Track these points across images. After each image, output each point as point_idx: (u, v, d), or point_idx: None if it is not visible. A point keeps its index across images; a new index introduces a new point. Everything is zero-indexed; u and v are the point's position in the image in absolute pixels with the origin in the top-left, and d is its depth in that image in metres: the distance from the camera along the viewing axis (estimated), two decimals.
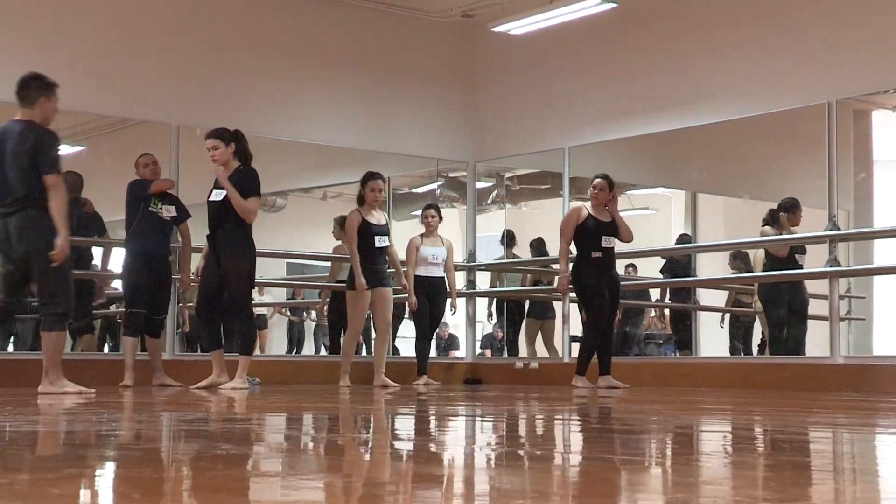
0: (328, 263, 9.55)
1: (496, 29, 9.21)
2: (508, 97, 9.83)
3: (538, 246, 9.90)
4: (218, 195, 6.56)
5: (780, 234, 8.08)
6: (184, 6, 8.68)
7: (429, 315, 8.39)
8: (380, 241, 7.74)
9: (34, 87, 5.64)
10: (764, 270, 8.38)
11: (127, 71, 8.22)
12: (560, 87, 9.45)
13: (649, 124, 8.81)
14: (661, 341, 10.21)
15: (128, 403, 5.03)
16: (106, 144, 9.16)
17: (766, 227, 8.20)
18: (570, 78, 9.39)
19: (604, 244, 7.38)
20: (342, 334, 9.11)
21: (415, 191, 11.14)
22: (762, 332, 8.77)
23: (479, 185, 10.29)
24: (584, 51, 9.29)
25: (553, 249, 9.63)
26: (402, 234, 9.37)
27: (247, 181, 6.51)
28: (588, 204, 7.54)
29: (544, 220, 10.02)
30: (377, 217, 7.82)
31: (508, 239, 10.15)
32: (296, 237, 10.25)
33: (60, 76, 8.14)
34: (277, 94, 9.02)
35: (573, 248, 7.53)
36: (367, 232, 7.70)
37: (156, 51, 8.42)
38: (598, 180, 7.50)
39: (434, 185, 10.41)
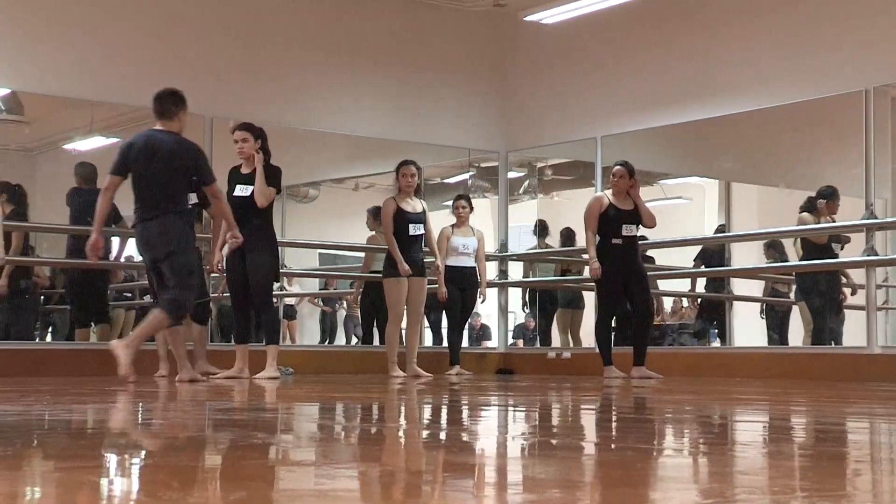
0: (360, 254, 9.58)
1: (528, 18, 9.17)
2: (540, 87, 9.79)
3: (568, 235, 9.87)
4: (244, 190, 6.63)
5: (818, 221, 7.99)
6: (224, 3, 8.72)
7: (460, 305, 8.40)
8: (414, 229, 7.74)
9: (174, 102, 6.05)
10: (800, 259, 8.30)
11: (162, 63, 8.27)
12: (592, 77, 9.40)
13: (682, 113, 8.75)
14: (691, 331, 10.15)
15: (162, 393, 5.07)
16: None
17: (805, 215, 8.10)
18: (602, 67, 9.34)
19: (624, 232, 7.32)
20: (374, 324, 9.13)
21: (446, 181, 11.14)
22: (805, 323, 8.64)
23: (511, 174, 10.27)
24: (616, 39, 9.24)
25: (582, 239, 9.61)
26: (433, 225, 9.38)
27: (270, 170, 6.71)
28: (609, 192, 7.49)
29: (576, 210, 9.98)
30: (412, 205, 7.82)
31: (540, 229, 10.12)
32: (328, 228, 10.28)
33: (97, 69, 8.25)
34: (310, 85, 9.04)
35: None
36: (402, 219, 7.70)
37: (191, 43, 8.46)
38: (617, 167, 7.45)
39: (466, 176, 10.40)
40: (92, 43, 8.01)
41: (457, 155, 10.11)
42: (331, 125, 9.15)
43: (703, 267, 9.54)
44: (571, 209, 9.60)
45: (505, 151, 10.02)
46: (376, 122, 9.40)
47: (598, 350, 7.56)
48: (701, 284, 10.18)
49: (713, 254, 9.46)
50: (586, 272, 10.17)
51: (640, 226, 7.42)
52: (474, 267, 8.50)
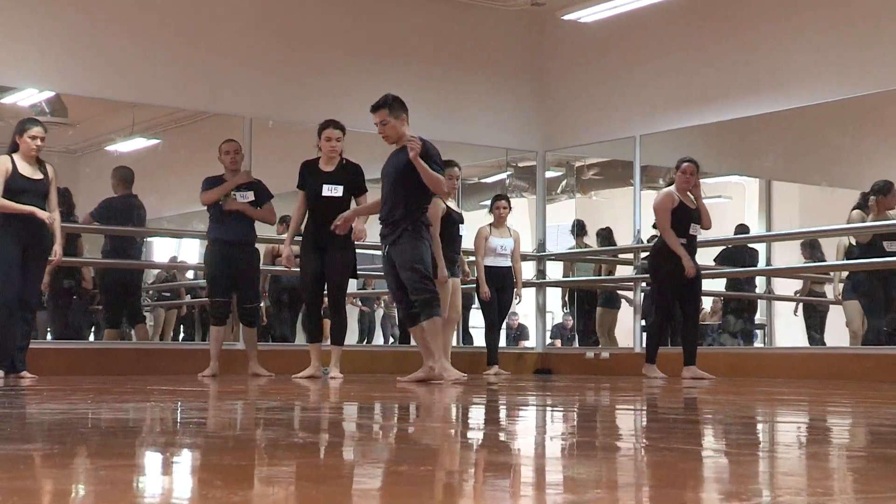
0: None
1: (566, 17, 9.14)
2: (578, 85, 9.76)
3: (606, 235, 9.82)
4: (335, 191, 6.67)
5: (868, 218, 7.80)
6: (265, 4, 8.78)
7: (497, 305, 8.39)
8: (463, 230, 7.72)
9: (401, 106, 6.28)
10: (847, 258, 8.15)
11: (201, 65, 8.35)
12: (631, 75, 9.35)
13: (722, 111, 8.67)
14: (737, 330, 10.07)
15: (206, 392, 5.11)
16: (181, 137, 9.33)
17: (855, 212, 7.92)
18: (641, 65, 9.28)
19: (691, 231, 7.19)
20: None
21: (484, 181, 11.13)
22: (853, 322, 8.41)
23: (549, 174, 10.24)
24: (655, 37, 9.18)
25: (621, 238, 9.55)
26: (471, 225, 9.34)
27: (360, 175, 6.89)
28: (673, 189, 7.29)
29: (614, 210, 9.94)
30: (454, 205, 7.76)
31: (578, 229, 10.08)
32: (368, 228, 10.28)
33: (137, 72, 8.34)
34: (348, 85, 9.07)
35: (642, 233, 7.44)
36: (451, 221, 7.62)
37: (230, 45, 8.53)
38: (687, 164, 7.25)
39: (503, 175, 10.39)
40: (133, 46, 8.10)
41: (495, 154, 10.10)
42: (368, 125, 9.15)
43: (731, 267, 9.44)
44: (609, 208, 9.58)
45: (543, 151, 9.99)
46: (414, 121, 9.34)
47: (644, 346, 7.51)
48: (721, 284, 10.11)
49: (737, 253, 9.35)
50: (619, 271, 10.11)
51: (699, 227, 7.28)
52: (510, 267, 8.49)
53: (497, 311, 8.43)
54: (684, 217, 7.17)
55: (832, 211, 8.39)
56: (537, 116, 9.96)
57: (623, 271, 10.40)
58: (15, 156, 6.31)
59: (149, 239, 9.23)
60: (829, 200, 8.92)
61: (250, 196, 7.16)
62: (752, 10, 8.61)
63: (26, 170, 6.30)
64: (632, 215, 9.25)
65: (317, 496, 1.66)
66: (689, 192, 7.27)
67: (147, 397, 4.48)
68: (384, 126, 6.14)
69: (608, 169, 10.58)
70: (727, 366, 8.18)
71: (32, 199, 6.27)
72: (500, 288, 8.38)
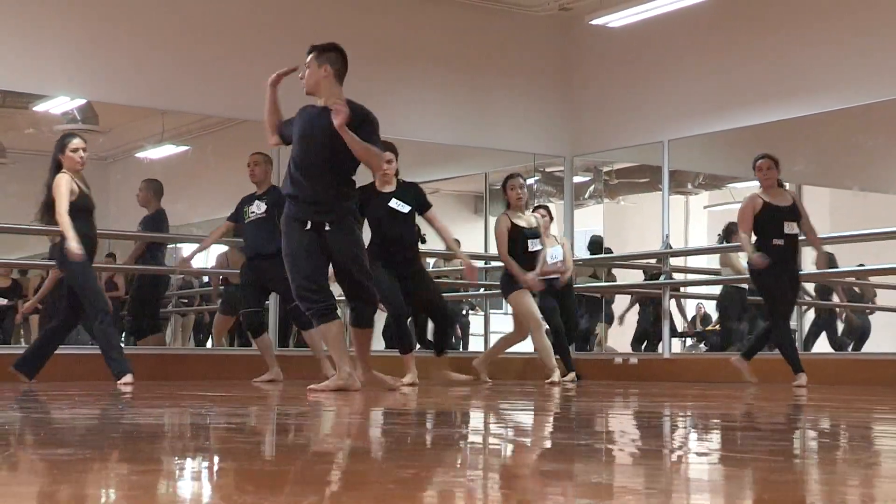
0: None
1: (594, 22, 9.12)
2: (606, 90, 9.73)
3: (598, 242, 9.90)
4: (401, 207, 6.54)
5: None
6: (285, 7, 8.82)
7: (559, 313, 7.91)
8: (533, 245, 7.34)
9: None
10: None
11: (230, 71, 8.40)
12: (659, 80, 9.31)
13: (751, 116, 8.62)
14: None
15: (251, 397, 5.13)
16: (210, 144, 9.39)
17: None
18: (669, 70, 9.25)
19: (786, 230, 6.73)
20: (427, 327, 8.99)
21: None
22: None
23: (577, 179, 10.21)
24: (683, 42, 9.14)
25: (638, 245, 9.49)
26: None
27: (422, 192, 6.74)
28: (759, 191, 6.93)
29: (643, 215, 9.90)
30: (527, 219, 7.39)
31: (595, 245, 10.10)
32: None
33: (167, 79, 8.40)
34: (376, 92, 9.07)
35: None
36: (519, 235, 7.27)
37: (259, 51, 8.57)
38: (760, 160, 6.87)
39: (531, 181, 10.37)
40: (163, 54, 8.16)
41: (522, 160, 10.09)
42: (397, 131, 9.17)
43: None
44: (638, 214, 9.54)
45: (570, 156, 9.97)
46: (442, 127, 9.43)
47: (786, 359, 6.87)
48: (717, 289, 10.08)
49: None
50: (621, 277, 10.04)
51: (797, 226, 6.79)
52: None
53: (562, 318, 7.97)
54: (775, 217, 6.75)
55: (863, 215, 8.31)
56: (565, 121, 9.94)
57: (624, 276, 10.40)
58: (75, 174, 6.28)
59: (179, 245, 9.30)
60: (861, 205, 8.83)
61: (262, 206, 7.10)
62: (781, 14, 8.55)
63: (82, 186, 6.31)
64: (660, 220, 9.21)
65: (337, 500, 1.65)
66: (783, 191, 6.84)
67: (216, 404, 4.50)
68: (306, 70, 5.44)
69: (636, 174, 10.54)
70: (825, 373, 8.08)
71: (91, 215, 6.32)
72: (559, 296, 7.94)
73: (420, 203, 6.66)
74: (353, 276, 5.36)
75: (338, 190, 5.30)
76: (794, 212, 6.81)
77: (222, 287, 9.09)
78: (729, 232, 9.04)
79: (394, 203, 6.52)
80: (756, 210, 6.82)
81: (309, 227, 5.25)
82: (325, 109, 5.27)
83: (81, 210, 6.22)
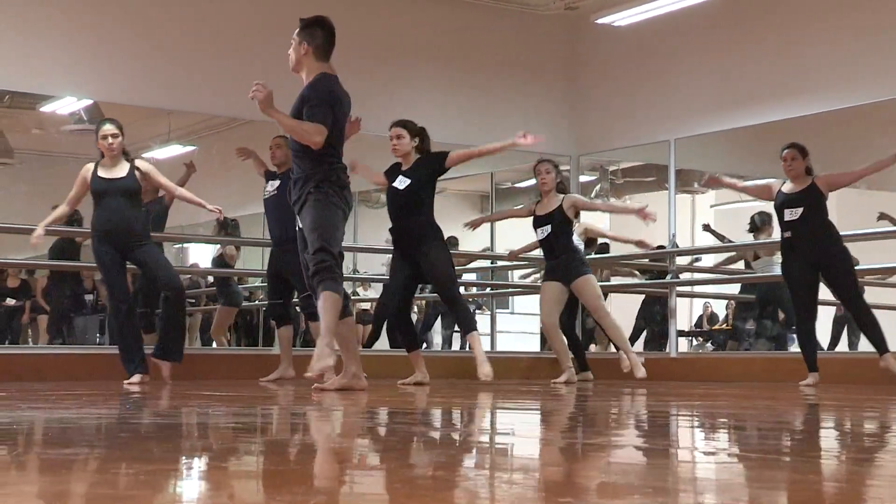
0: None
1: (600, 21, 9.12)
2: (612, 89, 9.72)
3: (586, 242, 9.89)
4: (401, 182, 6.24)
5: None
6: (292, 7, 8.83)
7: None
8: (542, 233, 7.24)
9: None
10: None
11: (236, 71, 8.40)
12: (665, 78, 9.30)
13: (758, 114, 8.60)
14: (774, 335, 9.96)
15: (259, 396, 5.14)
16: (216, 144, 9.41)
17: None
18: (675, 68, 9.24)
19: (787, 217, 6.56)
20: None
21: (518, 185, 11.12)
22: None
23: (583, 178, 10.21)
24: (689, 40, 9.13)
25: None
26: (507, 231, 9.36)
27: (437, 158, 6.33)
28: (783, 183, 6.77)
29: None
30: (545, 205, 7.25)
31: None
32: None
33: (174, 79, 8.42)
34: (380, 90, 9.10)
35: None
36: (536, 222, 7.27)
37: (265, 51, 8.58)
38: (786, 150, 6.71)
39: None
40: (169, 54, 8.18)
41: (528, 159, 10.06)
42: None
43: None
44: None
45: (576, 155, 9.96)
46: (447, 126, 9.41)
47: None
48: (735, 288, 10.04)
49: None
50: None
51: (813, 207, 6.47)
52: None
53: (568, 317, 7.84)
54: (780, 207, 6.63)
55: (869, 213, 8.29)
56: (571, 120, 9.93)
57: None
58: (103, 161, 6.36)
59: (185, 245, 9.32)
60: (868, 203, 8.80)
61: (276, 184, 6.94)
62: (787, 12, 8.54)
63: (106, 171, 6.33)
64: (666, 219, 9.19)
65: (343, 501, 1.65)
66: (806, 178, 6.64)
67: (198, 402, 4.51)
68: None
69: (643, 173, 10.53)
70: (761, 370, 8.10)
71: (114, 199, 6.27)
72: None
73: (433, 169, 6.27)
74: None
75: (309, 163, 5.15)
76: (800, 197, 6.53)
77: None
78: (759, 223, 8.97)
79: (397, 181, 6.33)
80: (771, 197, 6.73)
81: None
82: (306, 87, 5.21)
83: (100, 195, 6.26)
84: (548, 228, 7.16)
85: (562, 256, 7.14)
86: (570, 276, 7.10)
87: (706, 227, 10.02)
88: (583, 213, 7.92)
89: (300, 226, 5.25)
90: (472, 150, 6.44)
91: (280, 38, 8.76)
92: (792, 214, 6.53)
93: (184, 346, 6.43)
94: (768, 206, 7.37)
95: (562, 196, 7.24)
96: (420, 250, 6.15)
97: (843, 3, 8.20)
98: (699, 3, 8.55)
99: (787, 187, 6.70)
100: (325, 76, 5.28)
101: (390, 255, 6.58)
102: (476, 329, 6.20)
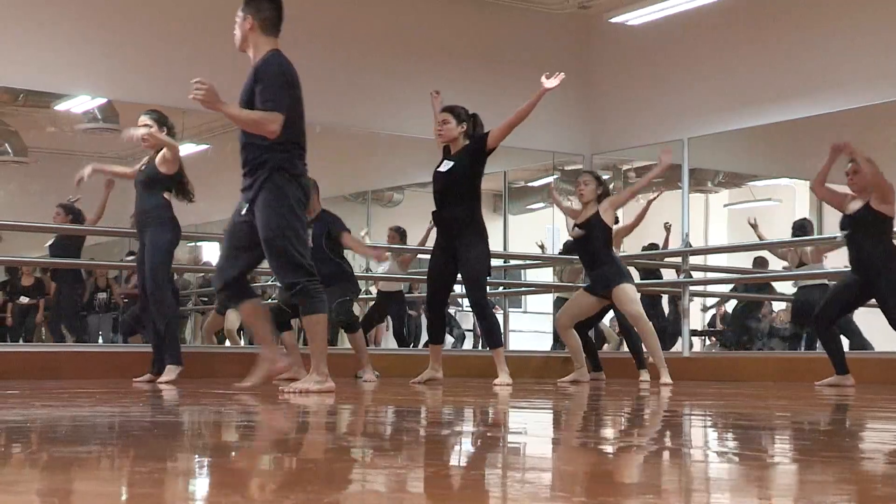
0: None
1: (613, 20, 9.10)
2: (626, 88, 9.70)
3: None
4: (444, 165, 6.08)
5: None
6: (303, 4, 8.84)
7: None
8: (577, 233, 7.22)
9: None
10: None
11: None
12: (678, 77, 9.28)
13: (771, 114, 8.57)
14: (787, 335, 9.92)
15: (261, 396, 5.15)
16: (230, 142, 9.41)
17: None
18: (689, 68, 9.21)
19: (838, 239, 6.75)
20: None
21: (531, 184, 11.11)
22: None
23: None
24: (702, 39, 9.10)
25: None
26: (519, 229, 9.34)
27: (478, 141, 6.25)
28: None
29: (662, 213, 9.86)
30: (584, 214, 7.20)
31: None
32: (412, 232, 10.32)
33: (186, 77, 8.40)
34: (392, 88, 9.11)
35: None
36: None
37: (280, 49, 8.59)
38: (848, 166, 6.61)
39: (550, 179, 10.35)
40: (182, 53, 8.19)
41: (541, 158, 10.08)
42: (416, 130, 9.20)
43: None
44: (657, 212, 9.48)
45: (590, 154, 9.94)
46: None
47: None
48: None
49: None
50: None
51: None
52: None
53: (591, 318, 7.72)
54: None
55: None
56: (584, 119, 9.91)
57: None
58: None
59: (199, 244, 9.35)
60: None
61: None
62: (801, 11, 8.50)
63: (142, 163, 6.41)
64: (680, 218, 9.17)
65: (357, 499, 1.65)
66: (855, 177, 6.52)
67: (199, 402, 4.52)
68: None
69: None
70: (776, 370, 8.06)
71: (139, 191, 6.36)
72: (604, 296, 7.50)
73: (475, 149, 6.12)
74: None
75: (262, 150, 4.81)
76: (849, 218, 6.41)
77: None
78: (799, 228, 8.90)
79: (442, 164, 6.18)
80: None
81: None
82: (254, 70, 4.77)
83: (136, 184, 6.37)
84: (584, 233, 7.11)
85: (601, 267, 7.04)
86: (610, 286, 7.04)
87: (752, 224, 9.76)
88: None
89: (244, 213, 4.85)
90: (508, 119, 6.27)
91: (293, 35, 8.76)
92: (842, 235, 6.49)
93: (177, 350, 6.17)
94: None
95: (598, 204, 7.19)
96: (460, 242, 6.02)
97: (852, 3, 8.16)
98: (713, 1, 8.52)
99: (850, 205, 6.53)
100: (278, 53, 4.86)
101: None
102: (502, 345, 6.16)
